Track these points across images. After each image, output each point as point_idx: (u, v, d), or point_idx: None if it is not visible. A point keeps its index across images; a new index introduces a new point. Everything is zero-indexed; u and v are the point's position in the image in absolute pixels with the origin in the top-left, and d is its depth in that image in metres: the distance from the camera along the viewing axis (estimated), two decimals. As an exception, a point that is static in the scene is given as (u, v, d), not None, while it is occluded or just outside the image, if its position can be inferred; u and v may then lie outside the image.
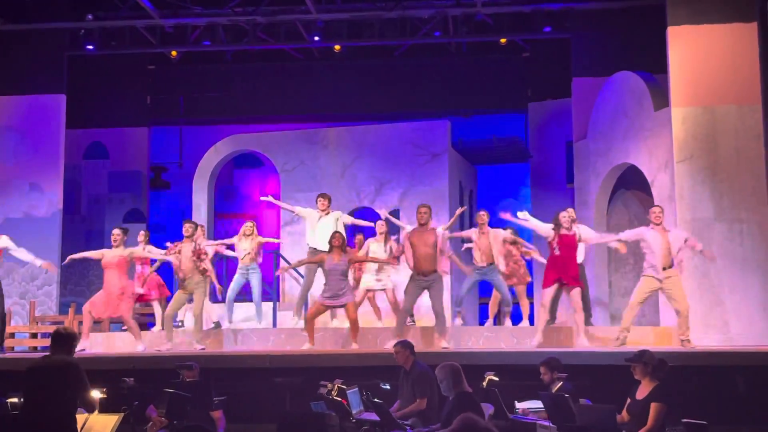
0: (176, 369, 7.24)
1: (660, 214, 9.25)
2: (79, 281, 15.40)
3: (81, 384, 5.26)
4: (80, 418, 5.46)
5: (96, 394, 5.49)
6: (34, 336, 12.77)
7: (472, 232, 10.64)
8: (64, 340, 5.45)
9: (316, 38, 14.21)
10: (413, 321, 10.64)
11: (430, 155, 14.07)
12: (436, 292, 9.40)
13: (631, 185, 12.40)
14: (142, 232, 11.43)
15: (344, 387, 6.90)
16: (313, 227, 10.83)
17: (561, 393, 6.61)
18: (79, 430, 5.37)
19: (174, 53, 15.26)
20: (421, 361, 7.35)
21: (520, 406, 7.24)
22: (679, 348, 9.03)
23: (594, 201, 12.75)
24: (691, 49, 10.52)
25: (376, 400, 6.49)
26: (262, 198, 11.15)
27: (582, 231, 9.58)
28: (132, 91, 16.34)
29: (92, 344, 10.53)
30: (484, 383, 7.03)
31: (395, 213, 13.94)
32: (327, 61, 16.46)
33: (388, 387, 7.31)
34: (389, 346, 9.18)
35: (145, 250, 10.72)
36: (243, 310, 11.62)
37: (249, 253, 10.92)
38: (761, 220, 9.89)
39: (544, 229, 9.55)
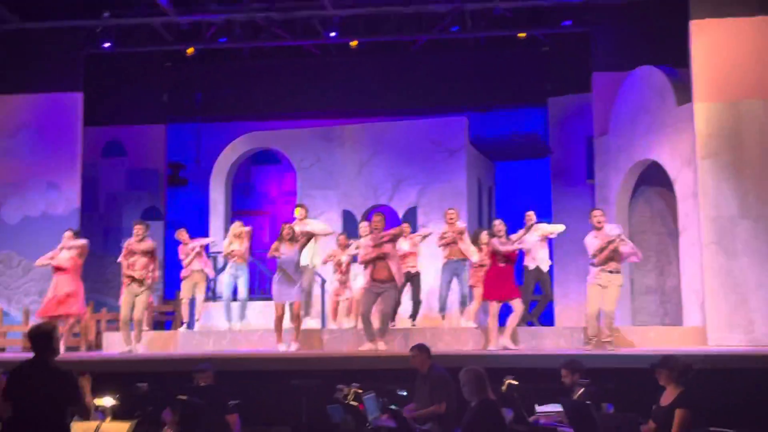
0: (190, 373, 7.15)
1: (601, 218, 9.45)
2: (96, 278, 15.36)
3: (75, 393, 4.88)
4: (91, 425, 5.37)
5: (106, 400, 5.37)
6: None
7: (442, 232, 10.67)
8: (40, 338, 4.93)
9: (333, 34, 14.07)
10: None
11: (447, 151, 13.94)
12: (386, 299, 9.42)
13: (654, 182, 12.18)
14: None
15: (360, 392, 6.78)
16: None
17: (583, 399, 6.45)
18: (90, 438, 5.27)
19: (190, 50, 15.15)
20: (438, 365, 7.22)
21: (540, 410, 7.09)
22: (705, 349, 8.85)
23: (615, 198, 12.54)
24: (715, 43, 10.29)
25: (393, 407, 6.37)
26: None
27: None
28: (149, 89, 16.27)
29: (109, 345, 10.50)
30: (504, 387, 6.88)
31: (413, 210, 13.85)
32: (343, 57, 16.30)
33: (404, 393, 7.19)
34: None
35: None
36: (257, 310, 11.59)
37: (239, 253, 10.88)
38: (788, 217, 9.67)
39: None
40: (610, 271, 9.27)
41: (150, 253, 10.06)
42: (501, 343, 9.37)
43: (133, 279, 9.97)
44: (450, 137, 14.03)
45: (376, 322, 9.42)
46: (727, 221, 9.99)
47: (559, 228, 10.78)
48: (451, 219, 10.66)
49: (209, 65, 16.83)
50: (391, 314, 9.62)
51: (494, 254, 9.58)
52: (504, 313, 9.64)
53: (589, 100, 13.69)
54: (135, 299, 10.00)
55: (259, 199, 17.68)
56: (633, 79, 12.30)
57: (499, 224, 9.67)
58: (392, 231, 9.70)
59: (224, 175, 15.22)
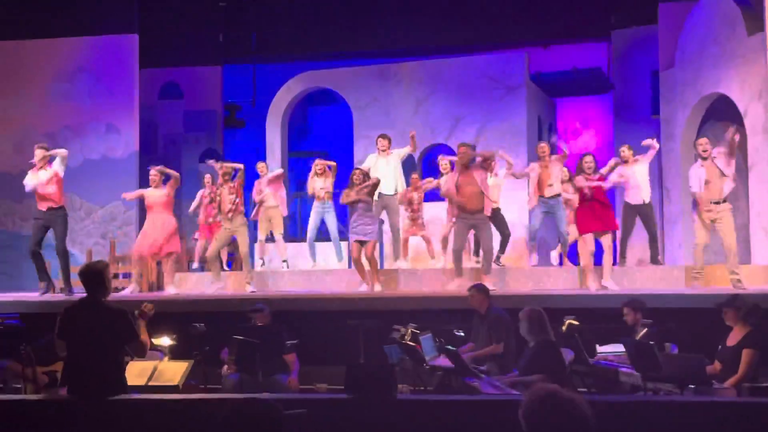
0: (246, 313, 7.16)
1: (707, 146, 8.79)
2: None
3: (127, 330, 4.81)
4: (149, 365, 5.41)
5: (164, 340, 5.39)
6: (115, 276, 12.94)
7: (533, 168, 10.30)
8: (92, 277, 4.89)
9: (389, -31, 13.73)
10: (479, 261, 10.41)
11: (506, 89, 13.60)
12: (484, 231, 9.11)
13: (722, 116, 11.68)
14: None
15: (417, 332, 6.72)
16: (375, 172, 10.51)
17: (646, 339, 6.28)
18: (148, 377, 5.31)
19: (244, -11, 14.98)
20: (497, 305, 7.10)
21: (601, 350, 6.95)
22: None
23: (681, 133, 12.11)
24: (790, -32, 9.70)
25: (449, 347, 6.29)
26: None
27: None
28: (204, 29, 16.19)
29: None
30: (564, 327, 6.75)
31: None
32: (400, -8, 15.93)
33: (462, 334, 7.11)
34: (452, 287, 9.02)
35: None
36: (318, 250, 11.56)
37: (323, 191, 10.87)
38: None
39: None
40: (716, 202, 8.64)
41: (235, 187, 9.96)
42: (603, 284, 8.89)
43: (220, 212, 9.96)
44: (509, 74, 13.68)
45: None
46: (800, 156, 9.56)
47: (652, 151, 10.26)
48: (543, 153, 10.25)
49: (264, 4, 16.64)
50: (491, 250, 9.25)
51: (580, 191, 9.19)
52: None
53: (654, 32, 13.14)
54: (237, 236, 9.92)
55: (315, 139, 17.61)
56: (701, 9, 11.75)
57: (589, 160, 9.24)
58: (485, 153, 9.33)
59: (280, 115, 15.16)
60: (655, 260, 10.01)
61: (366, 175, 9.57)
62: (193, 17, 15.92)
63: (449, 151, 13.58)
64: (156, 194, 10.15)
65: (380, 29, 16.23)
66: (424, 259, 11.34)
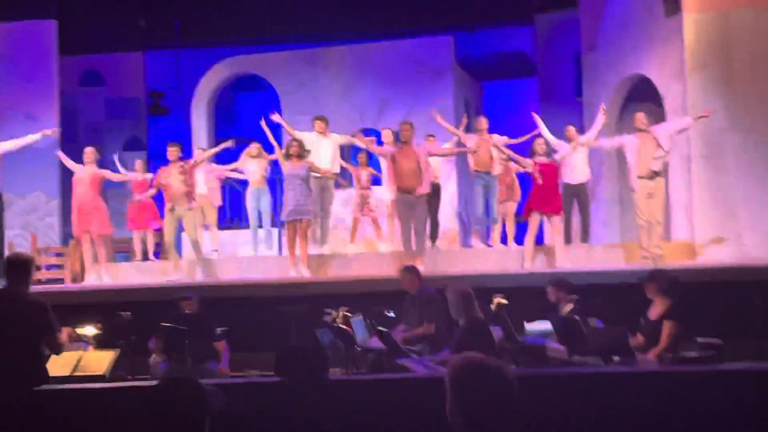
0: (174, 302, 7.05)
1: (645, 119, 9.07)
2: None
3: (48, 327, 4.64)
4: (74, 355, 5.28)
5: (88, 329, 5.27)
6: (37, 269, 12.55)
7: (471, 138, 10.41)
8: (18, 267, 4.73)
9: (312, -47, 13.63)
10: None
11: (433, 73, 13.67)
12: (418, 211, 9.10)
13: (643, 97, 11.95)
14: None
15: (349, 315, 6.73)
16: (316, 151, 10.43)
17: (572, 315, 6.41)
18: (73, 367, 5.18)
19: (165, -27, 14.68)
20: (428, 286, 7.15)
21: (529, 327, 7.06)
22: (693, 264, 8.80)
23: (603, 115, 12.34)
24: (704, -49, 9.97)
25: (381, 328, 6.31)
26: (273, 118, 10.64)
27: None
28: (125, 15, 15.82)
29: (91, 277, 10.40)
30: (493, 306, 6.84)
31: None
32: (325, -23, 15.83)
33: (392, 315, 7.14)
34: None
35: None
36: (242, 236, 11.48)
37: (258, 175, 10.74)
38: (777, 129, 9.54)
39: (555, 142, 9.74)
40: (650, 177, 8.91)
41: (184, 169, 9.65)
42: (560, 265, 9.05)
43: (172, 198, 9.58)
44: (436, 58, 13.76)
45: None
46: (716, 134, 9.85)
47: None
48: (481, 127, 10.43)
49: (186, -12, 16.35)
50: (423, 231, 9.23)
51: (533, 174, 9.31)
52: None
53: (577, 16, 13.36)
54: (183, 221, 9.60)
55: (243, 126, 17.39)
56: (621, -9, 11.98)
57: (542, 142, 9.32)
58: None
59: (205, 102, 14.95)
60: (584, 240, 10.24)
61: (302, 146, 9.49)
62: (114, 2, 15.55)
63: (377, 135, 13.59)
64: (87, 171, 9.90)
65: (306, 14, 16.10)
66: (372, 243, 11.32)
